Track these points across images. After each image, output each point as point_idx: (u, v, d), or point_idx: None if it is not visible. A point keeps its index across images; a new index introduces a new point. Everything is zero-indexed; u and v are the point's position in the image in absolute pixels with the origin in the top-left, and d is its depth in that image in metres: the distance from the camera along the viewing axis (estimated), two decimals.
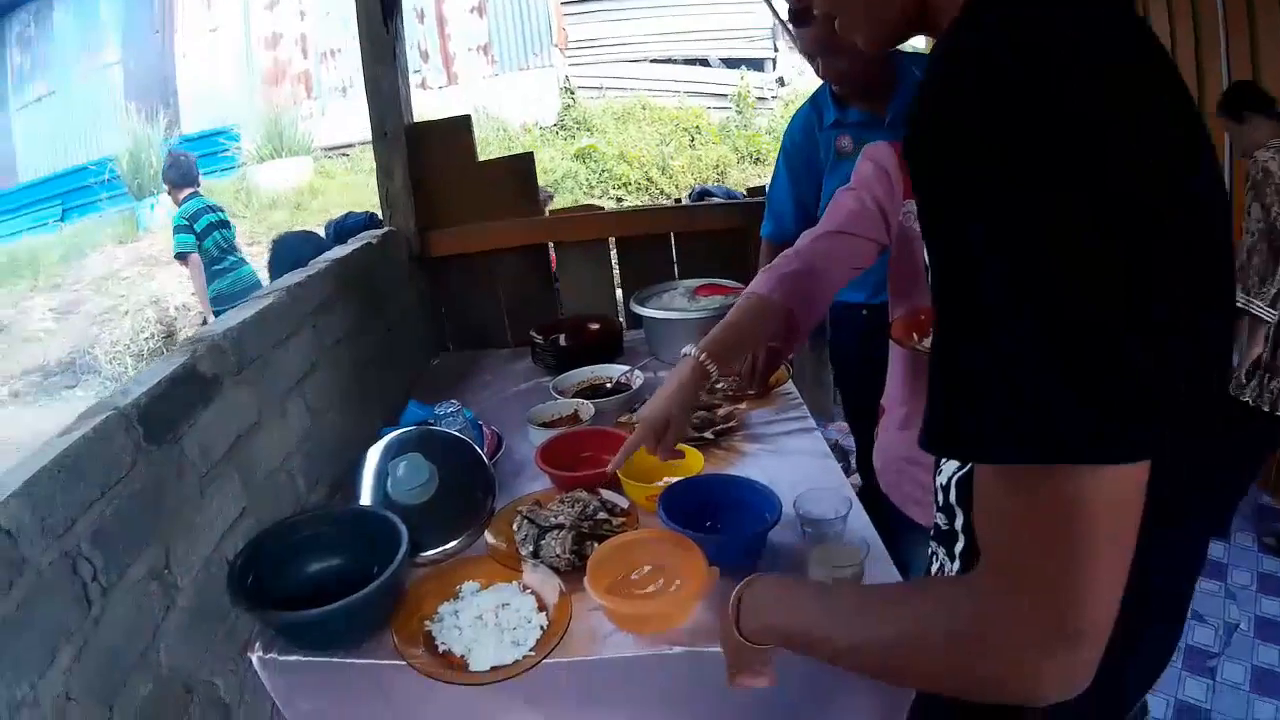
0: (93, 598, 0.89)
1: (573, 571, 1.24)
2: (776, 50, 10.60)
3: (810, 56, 2.05)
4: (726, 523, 1.34)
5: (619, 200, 8.77)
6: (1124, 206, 0.48)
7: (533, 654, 1.10)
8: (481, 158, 2.50)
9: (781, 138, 2.21)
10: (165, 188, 4.75)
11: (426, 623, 1.18)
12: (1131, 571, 0.50)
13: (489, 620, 1.16)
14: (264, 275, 3.84)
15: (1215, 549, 2.71)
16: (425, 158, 2.36)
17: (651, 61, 10.75)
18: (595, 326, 2.26)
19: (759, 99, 10.38)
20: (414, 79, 2.40)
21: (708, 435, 1.64)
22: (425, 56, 10.53)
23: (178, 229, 4.42)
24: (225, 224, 4.54)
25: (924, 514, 1.28)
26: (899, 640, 0.59)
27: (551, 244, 2.56)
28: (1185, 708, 2.15)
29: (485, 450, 1.57)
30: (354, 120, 7.64)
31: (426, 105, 2.65)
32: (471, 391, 2.11)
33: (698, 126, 9.87)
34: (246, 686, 1.18)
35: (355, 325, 1.81)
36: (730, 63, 10.68)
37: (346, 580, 1.14)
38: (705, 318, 2.01)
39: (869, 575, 1.17)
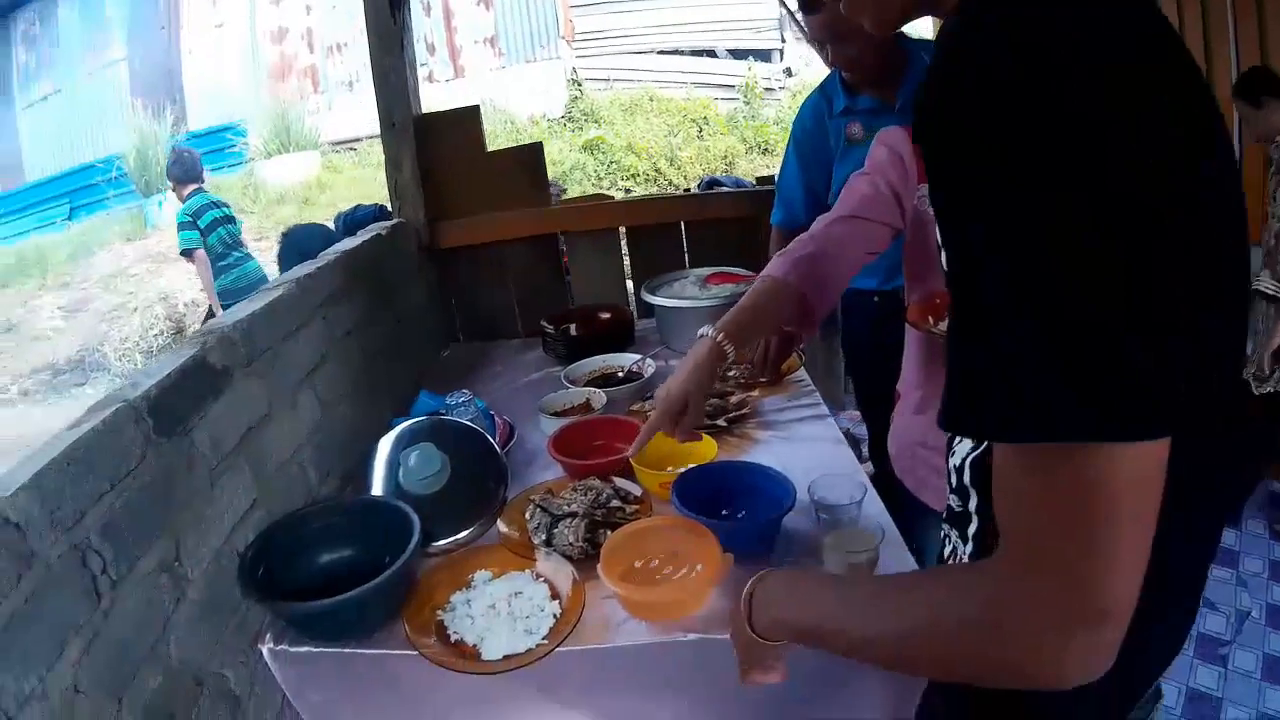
0: (102, 590, 0.89)
1: (586, 559, 1.23)
2: (784, 41, 10.54)
3: (819, 44, 2.05)
4: (740, 509, 1.33)
5: (627, 191, 8.75)
6: (1124, 206, 0.48)
7: (546, 642, 1.10)
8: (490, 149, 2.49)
9: (791, 126, 2.20)
10: (170, 184, 4.75)
11: (439, 612, 1.18)
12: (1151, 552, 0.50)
13: (501, 609, 1.15)
14: (272, 269, 3.84)
15: (1227, 536, 2.70)
16: (434, 149, 2.35)
17: (658, 53, 10.71)
18: (606, 316, 2.26)
19: (766, 90, 10.32)
20: (421, 72, 2.38)
21: (721, 423, 1.63)
22: (432, 49, 10.49)
23: (182, 225, 4.42)
24: (230, 219, 4.53)
25: (938, 499, 1.27)
26: (913, 630, 0.59)
27: (561, 236, 2.55)
28: (1197, 695, 2.14)
29: (497, 440, 1.56)
30: (361, 114, 7.67)
31: (433, 99, 2.63)
32: (482, 382, 2.10)
33: (705, 117, 9.83)
34: (257, 678, 1.18)
35: (365, 317, 1.80)
36: (737, 53, 10.62)
37: (358, 571, 1.13)
38: (716, 306, 1.99)
39: (883, 561, 1.16)
